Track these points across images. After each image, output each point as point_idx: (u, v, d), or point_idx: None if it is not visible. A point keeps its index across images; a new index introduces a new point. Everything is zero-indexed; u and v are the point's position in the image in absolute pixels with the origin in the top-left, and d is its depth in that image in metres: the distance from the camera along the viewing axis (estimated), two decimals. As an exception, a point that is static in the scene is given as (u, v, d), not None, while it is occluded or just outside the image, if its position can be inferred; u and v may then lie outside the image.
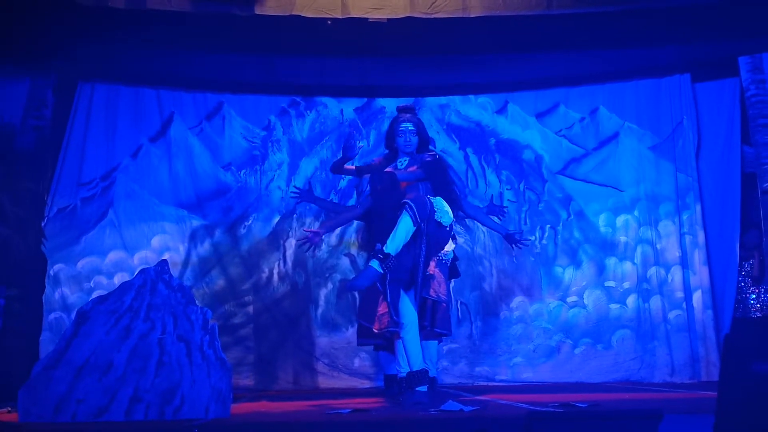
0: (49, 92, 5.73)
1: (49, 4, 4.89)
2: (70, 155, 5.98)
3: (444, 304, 4.57)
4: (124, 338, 3.61)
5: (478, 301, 6.21)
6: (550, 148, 6.37)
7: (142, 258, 5.93)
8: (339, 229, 6.11)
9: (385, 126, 6.15)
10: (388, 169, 4.72)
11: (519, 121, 6.43)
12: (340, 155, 4.88)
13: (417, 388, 4.29)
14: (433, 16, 5.04)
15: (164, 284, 3.74)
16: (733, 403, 2.58)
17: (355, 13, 5.03)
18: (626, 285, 6.14)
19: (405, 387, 4.34)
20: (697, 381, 5.77)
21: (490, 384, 5.95)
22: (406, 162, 4.71)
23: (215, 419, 3.51)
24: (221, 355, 3.66)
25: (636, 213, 6.20)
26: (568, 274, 6.22)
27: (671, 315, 6.01)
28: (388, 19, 5.05)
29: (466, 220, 5.50)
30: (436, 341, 4.81)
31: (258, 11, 4.93)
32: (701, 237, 6.05)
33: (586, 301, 6.17)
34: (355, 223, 5.79)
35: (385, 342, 4.79)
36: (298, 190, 5.37)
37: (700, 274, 6.00)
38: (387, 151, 4.89)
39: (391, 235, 4.21)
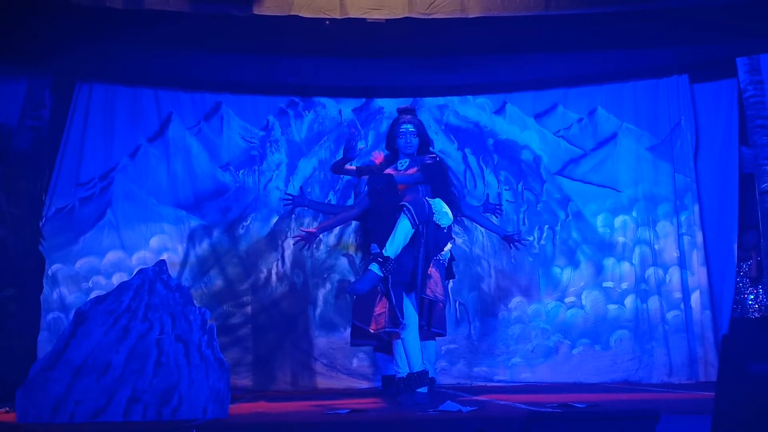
0: (46, 92, 5.73)
1: (47, 4, 4.88)
2: (68, 155, 5.97)
3: (441, 304, 4.59)
4: (122, 338, 3.61)
5: (477, 302, 6.21)
6: (549, 149, 6.37)
7: (141, 258, 5.93)
8: (337, 229, 6.12)
9: (384, 126, 6.18)
10: (388, 170, 4.72)
11: (517, 122, 6.43)
12: (340, 155, 4.88)
13: (417, 390, 4.30)
14: (431, 17, 5.04)
15: (162, 284, 3.74)
16: (730, 403, 2.59)
17: (354, 14, 5.02)
18: (624, 285, 6.15)
19: (405, 388, 4.34)
20: (694, 381, 5.77)
21: (489, 384, 5.95)
22: (407, 163, 4.72)
23: (213, 420, 3.51)
24: (219, 355, 3.66)
25: (634, 213, 6.21)
26: (566, 274, 6.22)
27: (669, 315, 6.02)
28: (386, 20, 5.05)
29: (465, 220, 5.51)
30: (434, 341, 4.82)
31: (256, 11, 4.92)
32: (699, 237, 6.05)
33: (584, 302, 6.17)
34: (353, 224, 5.79)
35: (382, 343, 4.79)
36: (290, 197, 5.38)
37: (698, 274, 6.00)
38: (387, 152, 4.90)
39: (390, 238, 4.22)
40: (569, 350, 6.10)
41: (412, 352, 4.36)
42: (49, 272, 5.83)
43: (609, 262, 6.20)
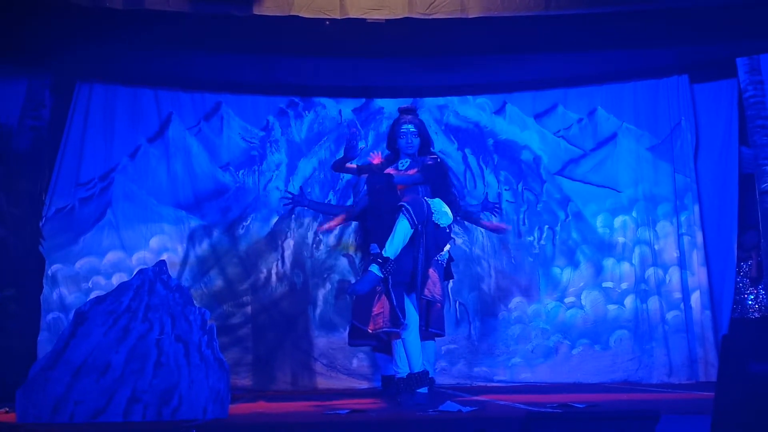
0: (46, 92, 5.73)
1: (47, 4, 4.87)
2: (68, 156, 5.97)
3: (439, 305, 4.59)
4: (122, 339, 3.61)
5: (477, 302, 6.21)
6: (549, 149, 6.37)
7: (141, 258, 5.93)
8: (337, 230, 6.13)
9: (384, 127, 6.19)
10: (389, 170, 4.72)
11: (517, 122, 6.43)
12: (341, 155, 4.88)
13: (417, 390, 4.30)
14: (431, 17, 5.04)
15: (162, 285, 3.74)
16: (730, 403, 2.58)
17: (354, 14, 5.02)
18: (624, 286, 6.15)
19: (405, 388, 4.34)
20: (694, 381, 5.77)
21: (489, 384, 5.95)
22: (407, 164, 4.72)
23: (213, 420, 3.51)
24: (219, 355, 3.66)
25: (634, 214, 6.21)
26: (566, 274, 6.22)
27: (669, 315, 6.02)
28: (386, 20, 5.05)
29: (465, 221, 5.51)
30: (433, 342, 4.82)
31: (256, 11, 4.92)
32: (699, 238, 6.05)
33: (583, 302, 6.17)
34: (353, 224, 5.79)
35: (380, 343, 4.79)
36: (290, 195, 5.39)
37: (699, 274, 6.00)
38: (388, 152, 4.90)
39: (389, 238, 4.22)
40: (569, 350, 6.10)
41: (412, 352, 4.36)
42: (49, 272, 5.83)
43: (609, 262, 6.20)
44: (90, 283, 5.89)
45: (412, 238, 4.29)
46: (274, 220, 6.26)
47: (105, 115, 6.10)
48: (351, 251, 6.19)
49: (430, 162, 4.64)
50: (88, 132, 6.04)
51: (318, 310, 6.17)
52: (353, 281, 5.61)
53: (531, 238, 6.23)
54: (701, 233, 6.06)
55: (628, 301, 6.11)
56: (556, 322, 6.16)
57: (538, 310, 6.19)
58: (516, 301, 6.20)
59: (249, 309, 6.10)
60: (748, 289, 6.00)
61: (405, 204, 4.25)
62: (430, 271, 4.45)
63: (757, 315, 5.91)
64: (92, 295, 5.05)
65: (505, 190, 6.34)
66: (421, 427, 3.32)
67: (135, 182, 6.11)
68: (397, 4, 5.02)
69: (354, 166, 4.88)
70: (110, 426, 3.39)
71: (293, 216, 6.25)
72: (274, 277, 6.18)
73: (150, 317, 3.66)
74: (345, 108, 6.44)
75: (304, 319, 6.14)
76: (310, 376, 6.03)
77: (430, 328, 4.58)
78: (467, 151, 6.41)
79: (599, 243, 6.23)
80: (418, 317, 4.43)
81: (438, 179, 4.62)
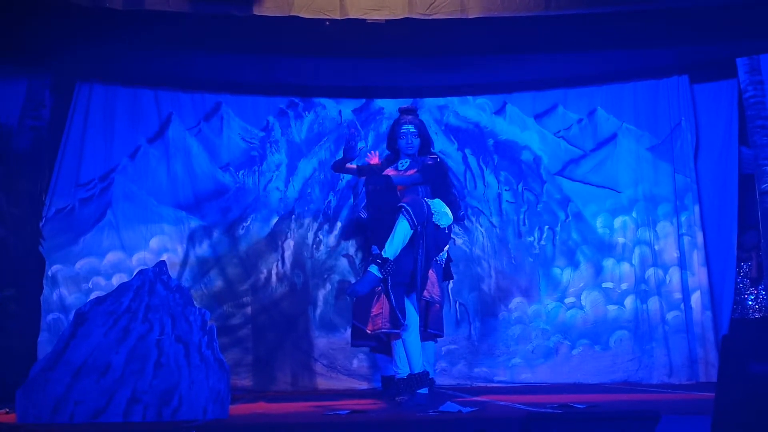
0: (46, 93, 5.73)
1: (47, 4, 4.87)
2: (68, 156, 5.97)
3: (437, 305, 4.59)
4: (122, 339, 3.61)
5: (477, 302, 6.21)
6: (549, 149, 6.37)
7: (141, 259, 5.92)
8: (337, 230, 6.13)
9: (384, 127, 6.19)
10: (389, 170, 4.73)
11: (517, 122, 6.43)
12: (340, 156, 4.88)
13: (417, 390, 4.30)
14: (431, 17, 5.04)
15: (162, 285, 3.74)
16: (730, 404, 2.58)
17: (354, 14, 5.02)
18: (624, 286, 6.14)
19: (405, 389, 4.34)
20: (694, 382, 5.77)
21: (489, 385, 5.95)
22: (407, 164, 4.72)
23: (213, 420, 3.51)
24: (219, 356, 3.66)
25: (634, 214, 6.21)
26: (566, 275, 6.22)
27: (669, 316, 6.02)
28: (386, 20, 5.05)
29: (465, 221, 5.51)
30: (433, 342, 4.82)
31: (256, 12, 4.91)
32: (700, 238, 6.05)
33: (583, 302, 6.17)
34: (353, 224, 5.80)
35: (380, 343, 4.80)
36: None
37: (699, 275, 6.00)
38: (389, 152, 4.90)
39: (389, 239, 4.22)
40: (569, 351, 6.10)
41: (412, 353, 4.36)
42: (49, 273, 5.82)
43: (609, 262, 6.20)
44: (90, 283, 5.89)
45: (412, 239, 4.29)
46: (274, 220, 6.25)
47: (105, 116, 6.10)
48: (351, 252, 6.20)
49: (429, 162, 4.65)
50: (88, 132, 6.04)
51: (318, 311, 6.17)
52: (353, 282, 5.61)
53: (531, 239, 6.23)
54: (702, 233, 6.06)
55: (628, 301, 6.11)
56: (557, 323, 6.15)
57: (539, 311, 6.18)
58: (516, 301, 6.20)
59: (249, 309, 6.10)
60: (748, 290, 6.00)
61: (405, 205, 4.25)
62: (429, 271, 4.46)
63: (757, 315, 5.91)
64: (92, 296, 5.06)
65: (506, 190, 6.34)
66: (422, 428, 3.32)
67: (135, 183, 6.10)
68: (397, 5, 5.02)
69: (354, 166, 4.88)
70: (110, 426, 3.39)
71: (293, 216, 6.25)
72: (274, 278, 6.18)
73: (150, 318, 3.66)
74: (345, 108, 6.44)
75: (305, 320, 6.14)
76: (311, 376, 6.02)
77: (429, 329, 4.58)
78: (467, 151, 6.41)
79: (599, 243, 6.23)
80: (418, 318, 4.43)
81: (438, 179, 4.62)
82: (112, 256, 5.97)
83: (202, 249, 6.13)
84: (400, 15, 5.04)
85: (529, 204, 6.32)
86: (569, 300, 6.18)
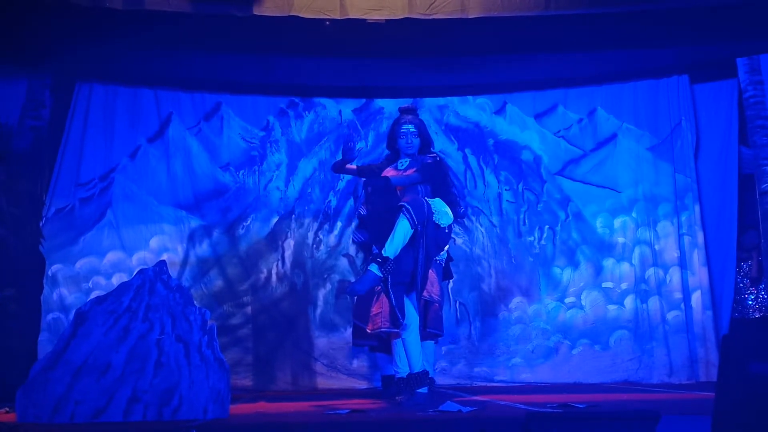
0: (46, 93, 5.73)
1: (47, 5, 4.87)
2: (68, 156, 5.97)
3: (436, 305, 4.59)
4: (122, 339, 3.61)
5: (477, 302, 6.21)
6: (549, 149, 6.37)
7: (141, 258, 5.93)
8: (337, 230, 6.13)
9: (384, 127, 6.19)
10: (388, 170, 4.73)
11: (517, 122, 6.43)
12: (340, 157, 4.88)
13: (417, 390, 4.30)
14: (431, 17, 5.04)
15: (163, 285, 3.74)
16: (730, 404, 2.58)
17: (354, 14, 5.02)
18: (624, 286, 6.15)
19: (405, 388, 4.34)
20: (695, 382, 5.77)
21: (489, 385, 5.95)
22: (407, 163, 4.72)
23: (214, 420, 3.51)
24: (220, 355, 3.66)
25: (634, 214, 6.21)
26: (566, 274, 6.22)
27: (669, 316, 6.02)
28: (386, 20, 5.05)
29: (465, 220, 5.50)
30: (432, 342, 4.82)
31: (256, 12, 4.91)
32: (700, 237, 6.05)
33: (583, 302, 6.17)
34: (353, 224, 5.80)
35: (380, 343, 4.80)
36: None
37: (700, 274, 6.00)
38: (389, 152, 4.90)
39: (389, 238, 4.21)
40: (569, 350, 6.10)
41: (412, 352, 4.36)
42: (50, 272, 5.83)
43: (609, 262, 6.20)
44: (90, 283, 5.89)
45: (412, 238, 4.29)
46: (275, 220, 6.25)
47: (105, 115, 6.10)
48: (351, 251, 6.20)
49: (429, 161, 4.64)
50: (88, 132, 6.04)
51: (318, 311, 6.17)
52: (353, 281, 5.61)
53: (531, 238, 6.23)
54: (702, 233, 6.06)
55: (628, 301, 6.11)
56: (557, 323, 6.15)
57: (539, 310, 6.18)
58: (516, 301, 6.20)
59: (249, 309, 6.10)
60: (748, 290, 6.00)
61: (405, 204, 4.25)
62: (429, 271, 4.46)
63: (757, 315, 5.91)
64: (92, 295, 5.05)
65: (506, 190, 6.34)
66: (422, 427, 3.32)
67: (135, 182, 6.10)
68: (397, 5, 5.02)
69: (354, 167, 4.88)
70: (111, 426, 3.39)
71: (293, 216, 6.25)
72: (274, 278, 6.18)
73: (150, 317, 3.66)
74: (345, 108, 6.44)
75: (305, 320, 6.14)
76: (311, 376, 6.02)
77: (428, 329, 4.58)
78: (467, 151, 6.41)
79: (599, 243, 6.23)
80: (418, 317, 4.43)
81: (438, 178, 4.62)
82: (112, 256, 5.97)
83: (203, 248, 6.13)
84: (400, 15, 5.04)
85: (530, 204, 6.32)
86: (569, 300, 6.18)
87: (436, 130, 6.30)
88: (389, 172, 4.71)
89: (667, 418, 3.04)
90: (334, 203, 6.26)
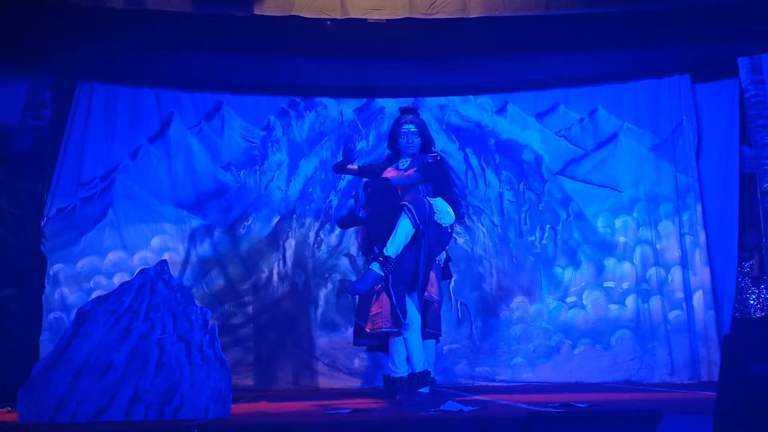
0: (47, 93, 5.74)
1: (47, 5, 4.87)
2: (69, 155, 5.98)
3: (436, 305, 4.59)
4: (123, 338, 3.61)
5: (478, 302, 6.21)
6: (550, 149, 6.37)
7: (142, 258, 5.93)
8: (338, 230, 6.12)
9: (385, 126, 6.19)
10: (389, 170, 4.73)
11: (518, 122, 6.43)
12: (341, 157, 4.88)
13: (419, 390, 4.30)
14: (432, 17, 5.04)
15: (164, 284, 3.74)
16: (732, 404, 2.58)
17: (354, 14, 5.02)
18: (625, 285, 6.15)
19: (406, 388, 4.34)
20: (696, 381, 5.77)
21: (490, 384, 5.95)
22: (408, 163, 4.71)
23: (215, 419, 3.51)
24: (221, 355, 3.66)
25: (635, 214, 6.21)
26: (567, 274, 6.22)
27: (671, 315, 6.01)
28: (387, 20, 5.05)
29: (466, 220, 5.50)
30: (433, 341, 4.82)
31: (257, 12, 4.92)
32: (702, 237, 6.05)
33: (585, 302, 6.17)
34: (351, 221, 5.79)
35: (381, 342, 4.80)
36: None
37: (701, 274, 6.00)
38: (389, 152, 4.90)
39: (391, 237, 4.21)
40: (571, 350, 6.10)
41: (414, 352, 4.35)
42: (51, 272, 5.83)
43: (610, 262, 6.20)
44: (91, 282, 5.90)
45: (413, 238, 4.28)
46: (276, 219, 6.26)
47: (106, 115, 6.11)
48: (353, 251, 6.20)
49: (430, 160, 4.64)
50: (89, 132, 6.05)
51: (319, 310, 6.17)
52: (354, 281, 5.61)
53: (532, 238, 6.23)
54: (704, 233, 6.06)
55: (630, 300, 6.11)
56: (558, 322, 6.16)
57: (540, 310, 6.18)
58: (517, 300, 6.20)
59: (250, 309, 6.10)
60: (749, 289, 6.00)
61: (407, 203, 4.25)
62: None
63: (759, 315, 5.90)
64: (94, 295, 5.05)
65: (507, 189, 6.34)
66: (423, 427, 3.31)
67: (136, 182, 6.11)
68: (398, 4, 5.02)
69: (355, 167, 4.88)
70: (112, 425, 3.39)
71: (294, 216, 6.26)
72: (275, 277, 6.18)
73: (152, 317, 3.66)
74: (346, 108, 6.45)
75: (306, 319, 6.15)
76: (312, 375, 6.03)
77: (427, 329, 4.58)
78: (468, 150, 6.41)
79: (600, 243, 6.23)
80: (419, 317, 4.43)
81: (439, 178, 4.62)
82: (113, 256, 5.97)
83: (204, 248, 6.13)
84: (400, 15, 5.04)
85: (531, 203, 6.32)
86: (571, 299, 6.18)
87: (437, 130, 6.30)
88: (390, 172, 4.70)
89: (669, 417, 3.03)
90: (335, 203, 6.26)
